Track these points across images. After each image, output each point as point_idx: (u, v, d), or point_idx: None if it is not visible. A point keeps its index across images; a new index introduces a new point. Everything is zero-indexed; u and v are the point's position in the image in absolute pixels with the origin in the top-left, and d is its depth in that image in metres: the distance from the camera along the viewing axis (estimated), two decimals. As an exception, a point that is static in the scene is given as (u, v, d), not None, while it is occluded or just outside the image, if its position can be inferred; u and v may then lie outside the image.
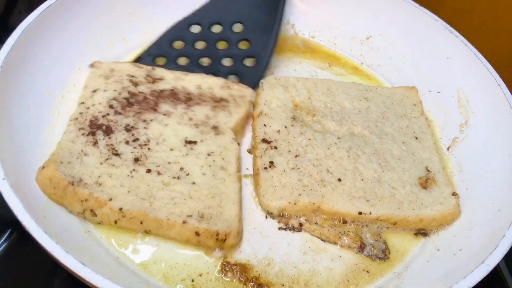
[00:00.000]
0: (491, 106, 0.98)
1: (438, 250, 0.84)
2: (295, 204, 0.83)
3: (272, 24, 1.07)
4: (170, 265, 0.78)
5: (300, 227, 0.84)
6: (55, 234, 0.67)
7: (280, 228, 0.84)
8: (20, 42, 0.87)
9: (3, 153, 0.74)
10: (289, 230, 0.84)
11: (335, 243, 0.83)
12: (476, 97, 1.02)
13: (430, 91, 1.08)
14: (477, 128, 0.99)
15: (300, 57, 1.17)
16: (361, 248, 0.83)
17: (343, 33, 1.20)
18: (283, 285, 0.79)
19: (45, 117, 0.90)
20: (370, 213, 0.83)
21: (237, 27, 1.10)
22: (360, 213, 0.83)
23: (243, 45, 1.08)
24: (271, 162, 0.88)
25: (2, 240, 0.86)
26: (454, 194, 0.88)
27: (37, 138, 0.86)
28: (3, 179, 0.70)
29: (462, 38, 1.06)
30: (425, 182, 0.89)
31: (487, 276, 0.71)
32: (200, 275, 0.78)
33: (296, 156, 0.89)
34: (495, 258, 0.72)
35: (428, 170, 0.91)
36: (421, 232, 0.86)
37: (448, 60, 1.08)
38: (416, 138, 0.97)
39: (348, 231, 0.84)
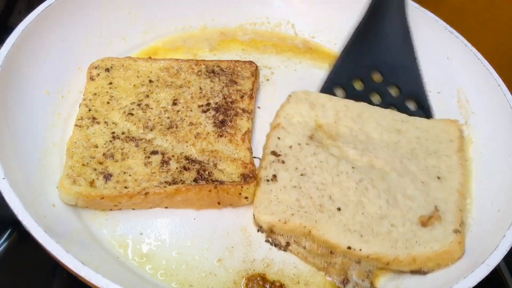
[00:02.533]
0: (491, 106, 0.98)
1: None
2: (285, 223, 0.80)
3: (411, 62, 1.07)
4: (171, 264, 0.78)
5: (286, 247, 0.82)
6: (55, 234, 0.67)
7: (266, 241, 0.83)
8: (20, 42, 0.87)
9: (3, 153, 0.74)
10: (275, 246, 0.82)
11: (319, 269, 0.80)
12: (476, 97, 1.02)
13: (430, 91, 1.08)
14: (477, 128, 0.99)
15: (300, 57, 1.17)
16: (344, 283, 0.78)
17: (343, 33, 1.20)
18: (282, 285, 0.79)
19: (45, 117, 0.90)
20: (360, 250, 0.78)
21: (376, 76, 1.07)
22: (349, 247, 0.78)
23: (393, 92, 1.06)
24: (274, 176, 0.86)
25: (2, 240, 0.86)
26: (455, 231, 0.80)
27: (37, 138, 0.86)
28: (3, 178, 0.70)
29: (462, 38, 1.06)
30: (427, 220, 0.82)
31: (487, 276, 0.71)
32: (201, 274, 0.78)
33: (301, 174, 0.86)
34: (495, 258, 0.72)
35: (436, 209, 0.84)
36: (418, 271, 0.80)
37: (448, 60, 1.08)
38: (438, 178, 0.88)
39: (335, 263, 0.79)
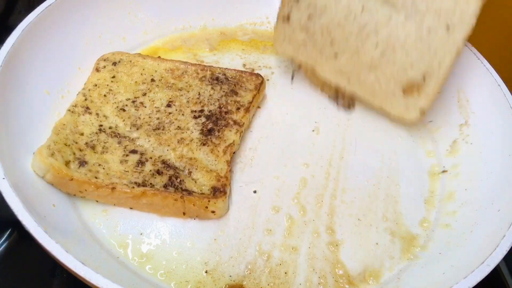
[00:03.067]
0: (491, 106, 0.98)
1: (440, 253, 0.83)
2: (293, 59, 1.02)
3: None
4: (171, 264, 0.79)
5: (299, 67, 1.06)
6: (55, 234, 0.67)
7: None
8: (20, 42, 0.87)
9: (3, 153, 0.74)
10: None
11: (316, 85, 1.04)
12: (476, 97, 1.02)
13: (430, 91, 1.08)
14: (477, 128, 0.99)
15: (300, 57, 1.17)
16: (334, 97, 1.03)
17: (343, 33, 1.20)
18: None
19: (45, 117, 0.90)
20: (345, 88, 0.99)
21: None
22: (337, 86, 1.00)
23: None
24: (288, 16, 0.99)
25: (2, 240, 0.86)
26: (421, 112, 0.91)
27: (37, 138, 0.86)
28: (3, 178, 0.70)
29: (462, 38, 1.06)
30: (409, 89, 0.91)
31: (487, 276, 0.70)
32: (200, 274, 0.78)
33: (311, 15, 0.96)
34: (495, 258, 0.72)
35: (423, 79, 0.89)
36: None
37: (448, 60, 1.08)
38: (448, 27, 0.88)
39: (330, 84, 1.01)
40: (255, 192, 0.89)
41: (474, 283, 0.69)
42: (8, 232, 0.86)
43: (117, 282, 0.63)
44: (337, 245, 0.84)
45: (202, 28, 1.19)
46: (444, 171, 0.97)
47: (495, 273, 0.89)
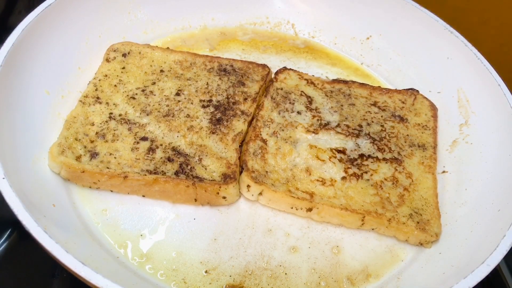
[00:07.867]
0: (491, 106, 0.98)
1: (440, 253, 0.83)
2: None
3: None
4: (171, 264, 0.79)
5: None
6: (55, 234, 0.67)
7: None
8: (20, 42, 0.87)
9: (3, 153, 0.74)
10: None
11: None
12: (476, 97, 1.02)
13: (430, 91, 1.08)
14: (477, 128, 0.99)
15: (300, 57, 1.17)
16: None
17: (343, 33, 1.20)
18: None
19: (45, 117, 0.90)
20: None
21: None
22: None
23: None
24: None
25: (2, 240, 0.86)
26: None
27: (37, 138, 0.86)
28: (3, 178, 0.70)
29: (462, 38, 1.06)
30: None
31: (487, 276, 0.71)
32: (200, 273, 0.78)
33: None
34: (495, 258, 0.72)
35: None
36: None
37: (448, 60, 1.08)
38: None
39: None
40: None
41: (474, 283, 0.69)
42: (8, 232, 0.86)
43: (117, 282, 0.63)
44: (337, 245, 0.84)
45: (202, 28, 1.19)
46: (444, 171, 0.97)
47: (495, 273, 0.89)
